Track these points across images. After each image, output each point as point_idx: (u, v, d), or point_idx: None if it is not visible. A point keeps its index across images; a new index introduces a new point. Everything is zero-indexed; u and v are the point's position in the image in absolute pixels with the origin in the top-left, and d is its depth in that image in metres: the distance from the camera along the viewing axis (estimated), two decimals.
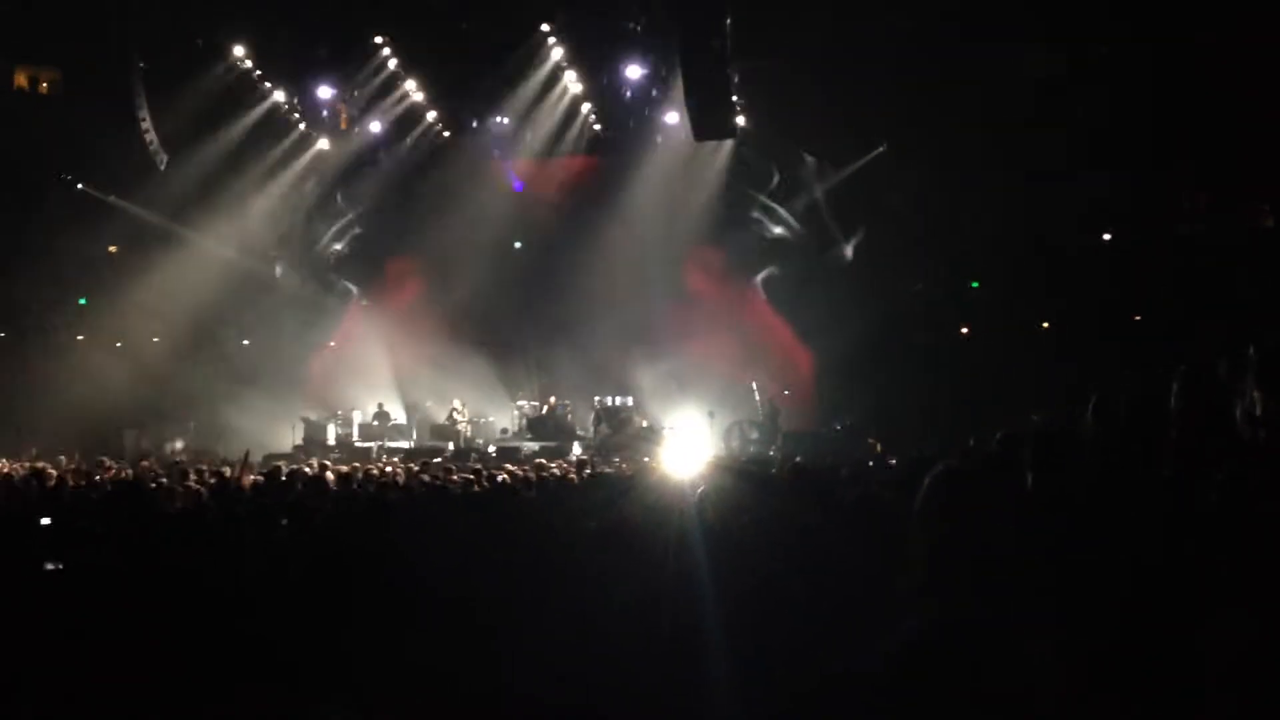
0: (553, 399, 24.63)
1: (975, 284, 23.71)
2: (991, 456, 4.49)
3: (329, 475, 11.57)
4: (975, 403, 18.13)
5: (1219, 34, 17.45)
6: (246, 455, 12.07)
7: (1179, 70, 17.90)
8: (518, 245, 25.69)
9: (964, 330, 23.67)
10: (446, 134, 24.51)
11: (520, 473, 12.30)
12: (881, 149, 22.50)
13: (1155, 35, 18.11)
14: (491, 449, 22.72)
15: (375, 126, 24.23)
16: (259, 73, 22.36)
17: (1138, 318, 21.23)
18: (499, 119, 23.92)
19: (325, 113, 24.23)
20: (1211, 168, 19.29)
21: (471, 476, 11.09)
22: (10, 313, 24.64)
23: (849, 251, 23.63)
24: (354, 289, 27.13)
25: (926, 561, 2.76)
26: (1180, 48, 17.95)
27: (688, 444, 21.46)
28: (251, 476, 11.34)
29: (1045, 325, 22.72)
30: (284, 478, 10.94)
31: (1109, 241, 22.00)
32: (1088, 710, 2.04)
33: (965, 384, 20.25)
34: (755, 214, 24.42)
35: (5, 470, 14.63)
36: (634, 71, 22.35)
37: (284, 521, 6.92)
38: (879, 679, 2.45)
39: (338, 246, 27.08)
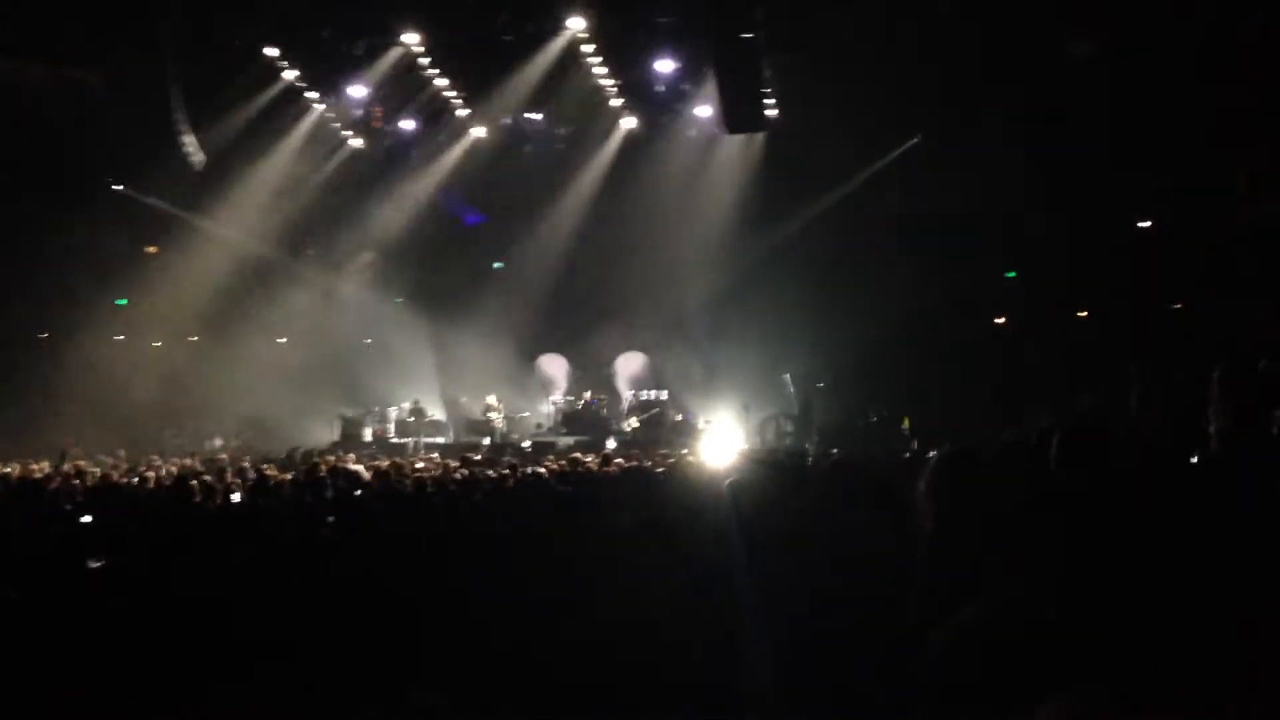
0: (587, 394, 24.68)
1: (1011, 274, 23.53)
2: (1023, 447, 4.47)
3: (366, 471, 11.69)
4: (1011, 394, 18.00)
5: (1261, 15, 17.21)
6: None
7: (1218, 53, 17.66)
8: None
9: (999, 320, 23.49)
10: (479, 131, 24.59)
11: (555, 467, 12.36)
12: (916, 139, 22.37)
13: (1194, 18, 17.87)
14: (526, 444, 22.81)
15: (407, 125, 24.35)
16: (293, 74, 22.50)
17: (1177, 306, 20.98)
18: (530, 115, 23.95)
19: (358, 112, 24.33)
20: (1253, 152, 19.01)
21: (507, 471, 11.16)
22: (50, 313, 24.94)
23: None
24: (389, 286, 27.26)
25: (929, 541, 2.77)
26: (1220, 30, 17.71)
27: (723, 438, 21.46)
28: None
29: (1083, 315, 22.50)
30: (322, 474, 11.04)
31: (1147, 229, 21.75)
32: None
33: (1000, 375, 20.10)
34: None
35: (48, 469, 14.85)
36: (665, 65, 22.26)
37: (330, 519, 6.98)
38: (915, 673, 2.45)
39: (372, 244, 27.22)
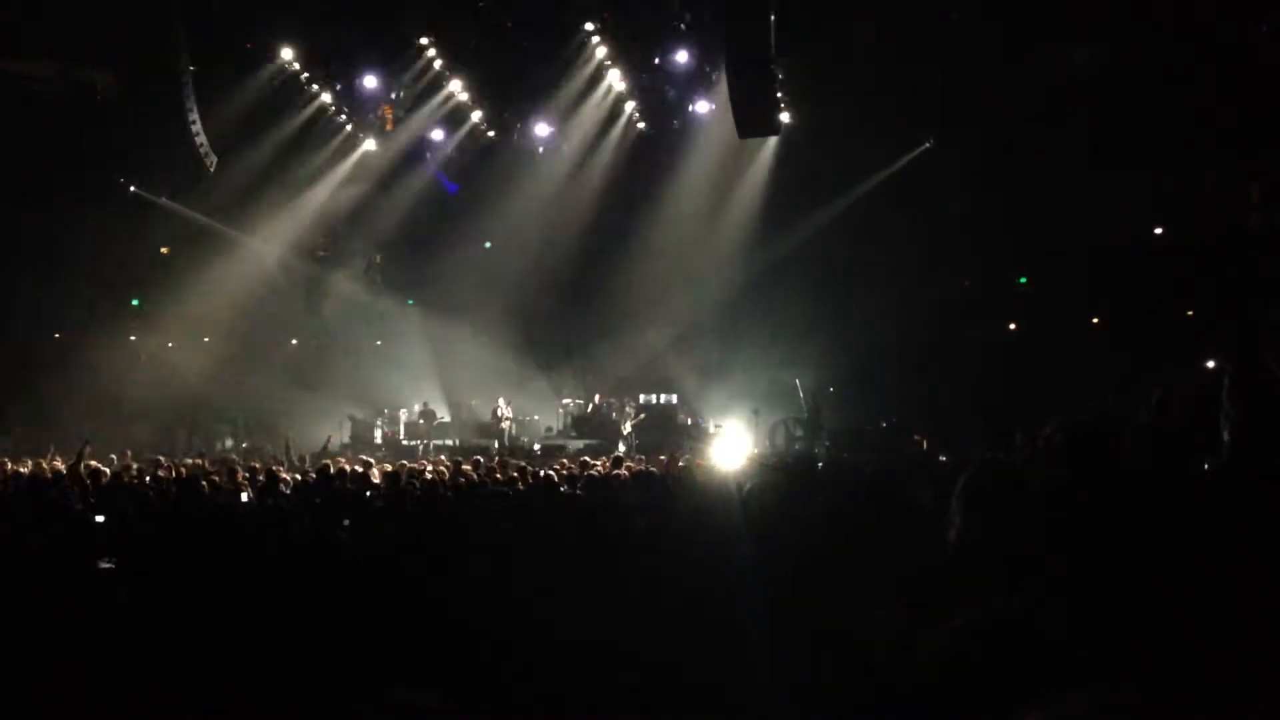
0: (597, 397, 24.66)
1: (1023, 280, 23.46)
2: (1035, 451, 4.45)
3: (375, 473, 11.70)
4: (1022, 400, 17.92)
5: (1271, 23, 17.16)
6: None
7: (1228, 61, 17.60)
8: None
9: (1011, 326, 23.43)
10: (491, 133, 24.61)
11: (565, 471, 12.35)
12: (928, 144, 22.32)
13: (1203, 26, 17.81)
14: (537, 447, 22.80)
15: (420, 127, 24.36)
16: (306, 74, 22.56)
17: (1190, 313, 20.90)
18: (543, 118, 23.97)
19: (371, 114, 24.37)
20: (1263, 159, 18.93)
21: (516, 474, 11.16)
22: (64, 313, 25.03)
23: None
24: (400, 288, 27.30)
25: (960, 554, 2.76)
26: (1230, 38, 17.66)
27: (734, 442, 21.43)
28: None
29: (1095, 321, 22.43)
30: (332, 475, 11.05)
31: (1160, 235, 21.67)
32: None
33: (1011, 381, 20.03)
34: None
35: (61, 467, 14.87)
36: (678, 69, 22.29)
37: (346, 521, 6.99)
38: (922, 680, 2.45)
39: (383, 246, 27.26)
